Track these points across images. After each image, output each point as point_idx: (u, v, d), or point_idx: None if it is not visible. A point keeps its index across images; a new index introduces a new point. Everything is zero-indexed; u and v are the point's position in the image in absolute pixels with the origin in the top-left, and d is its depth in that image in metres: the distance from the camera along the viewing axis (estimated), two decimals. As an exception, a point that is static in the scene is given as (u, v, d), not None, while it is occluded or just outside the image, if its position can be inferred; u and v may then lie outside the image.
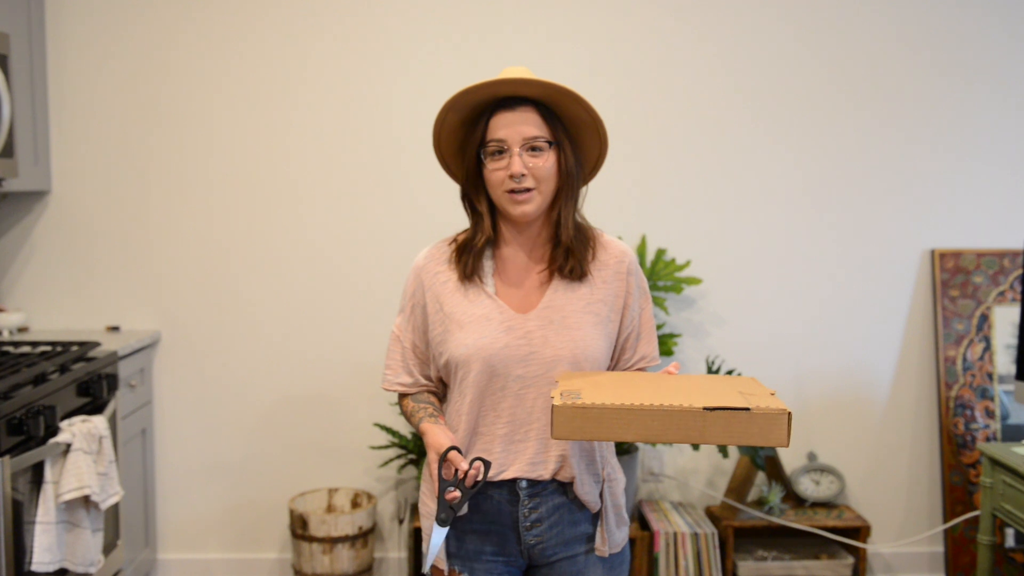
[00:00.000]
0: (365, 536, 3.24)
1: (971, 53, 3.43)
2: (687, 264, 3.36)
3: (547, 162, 1.65)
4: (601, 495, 1.74)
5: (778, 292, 3.49)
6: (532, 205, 1.66)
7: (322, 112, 3.39)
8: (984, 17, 3.42)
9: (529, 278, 1.72)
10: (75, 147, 3.37)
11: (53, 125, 3.36)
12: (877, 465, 3.53)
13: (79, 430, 2.50)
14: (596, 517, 1.74)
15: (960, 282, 3.46)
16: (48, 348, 2.86)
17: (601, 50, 3.39)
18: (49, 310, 3.41)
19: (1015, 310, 3.42)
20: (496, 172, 1.65)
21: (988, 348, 3.44)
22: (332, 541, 3.16)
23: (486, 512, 1.71)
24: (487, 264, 1.72)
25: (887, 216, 3.47)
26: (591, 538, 1.74)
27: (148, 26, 3.35)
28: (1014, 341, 3.39)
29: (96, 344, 2.95)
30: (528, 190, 1.65)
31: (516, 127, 1.64)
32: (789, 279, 3.48)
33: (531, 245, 1.73)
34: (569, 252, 1.70)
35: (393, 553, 3.50)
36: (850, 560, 3.26)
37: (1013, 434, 3.39)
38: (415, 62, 3.38)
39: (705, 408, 1.35)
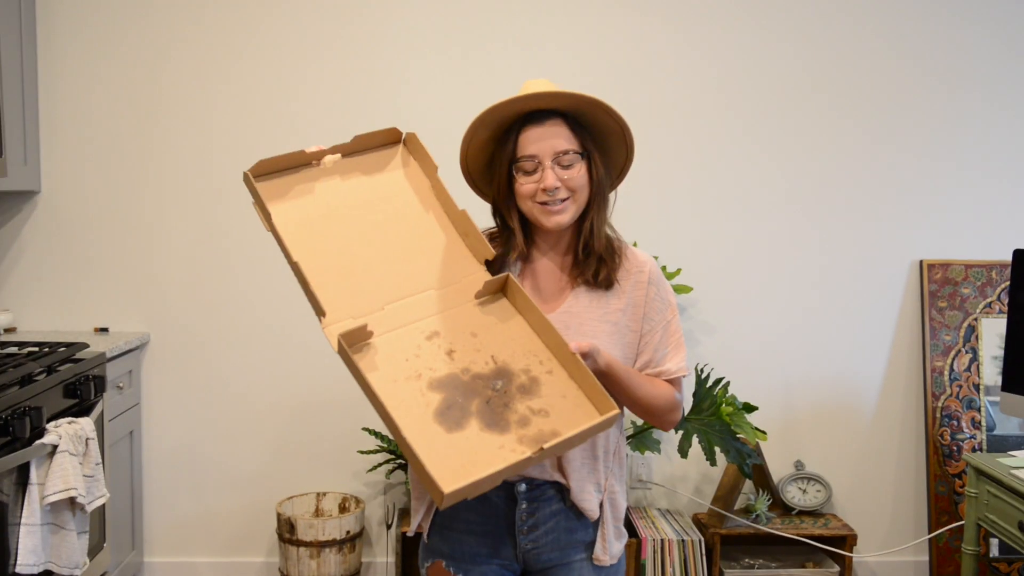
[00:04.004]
0: (353, 540, 3.23)
1: (960, 63, 3.45)
2: (677, 272, 3.37)
3: (579, 173, 1.67)
4: (601, 506, 1.72)
5: (767, 301, 3.50)
6: (567, 215, 1.67)
7: (315, 114, 3.39)
8: (973, 27, 3.44)
9: (553, 285, 1.73)
10: (65, 147, 3.36)
11: (43, 125, 3.35)
12: (864, 474, 3.54)
13: (65, 432, 2.49)
14: (596, 525, 1.73)
15: (948, 293, 3.48)
16: (35, 349, 2.84)
17: (588, 58, 3.40)
18: (37, 311, 3.40)
19: (1002, 322, 3.43)
20: (527, 185, 1.65)
21: (975, 359, 3.45)
22: (320, 545, 3.16)
23: (483, 514, 1.70)
24: (514, 271, 1.72)
25: (876, 226, 3.49)
26: (588, 546, 1.73)
27: (138, 27, 3.34)
28: (1001, 353, 3.41)
29: (84, 345, 2.94)
30: (563, 200, 1.66)
31: (546, 141, 1.65)
32: (778, 288, 3.50)
33: (559, 253, 1.74)
34: (600, 260, 1.71)
35: (380, 558, 3.49)
36: (836, 569, 3.27)
37: (999, 445, 3.40)
38: (414, 67, 3.38)
39: None
